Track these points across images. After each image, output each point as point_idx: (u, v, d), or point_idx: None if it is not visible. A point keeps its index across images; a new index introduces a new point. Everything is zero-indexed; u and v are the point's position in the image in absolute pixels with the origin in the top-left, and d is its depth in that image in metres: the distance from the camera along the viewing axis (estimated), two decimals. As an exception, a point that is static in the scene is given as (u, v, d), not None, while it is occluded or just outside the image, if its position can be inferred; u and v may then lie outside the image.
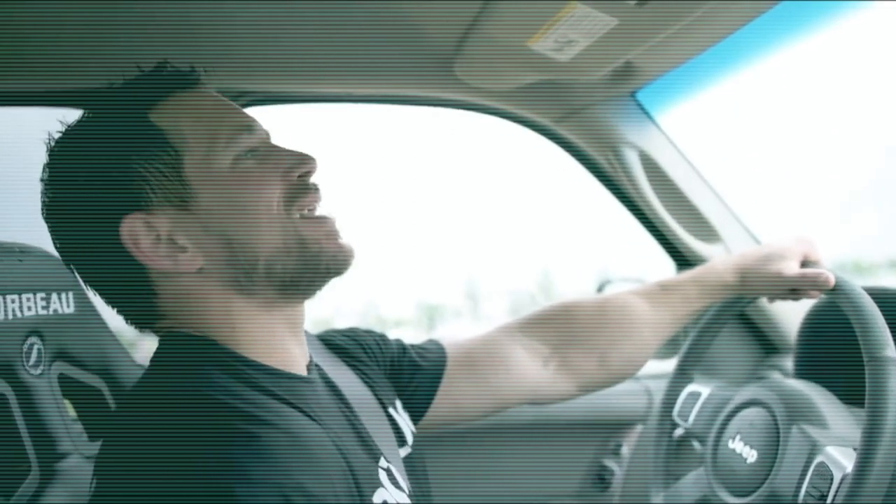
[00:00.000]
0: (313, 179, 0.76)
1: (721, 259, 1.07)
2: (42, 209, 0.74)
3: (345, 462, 0.68)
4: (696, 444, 1.12)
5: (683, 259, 1.58)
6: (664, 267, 1.63)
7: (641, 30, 1.01)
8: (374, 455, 0.76)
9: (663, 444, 1.14)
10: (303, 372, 0.77)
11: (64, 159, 0.72)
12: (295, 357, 0.77)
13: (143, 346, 1.04)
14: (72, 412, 0.93)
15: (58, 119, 0.74)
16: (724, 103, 1.46)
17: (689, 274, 1.07)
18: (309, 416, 0.69)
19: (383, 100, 1.39)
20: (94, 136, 0.72)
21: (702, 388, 1.12)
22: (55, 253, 0.90)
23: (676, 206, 1.50)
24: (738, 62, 1.30)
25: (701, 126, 1.54)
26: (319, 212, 0.76)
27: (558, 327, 1.05)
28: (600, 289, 1.81)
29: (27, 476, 0.81)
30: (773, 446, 0.93)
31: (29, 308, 0.83)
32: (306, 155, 0.75)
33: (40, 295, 0.86)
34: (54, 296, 0.88)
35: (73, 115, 0.75)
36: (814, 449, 0.87)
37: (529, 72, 1.20)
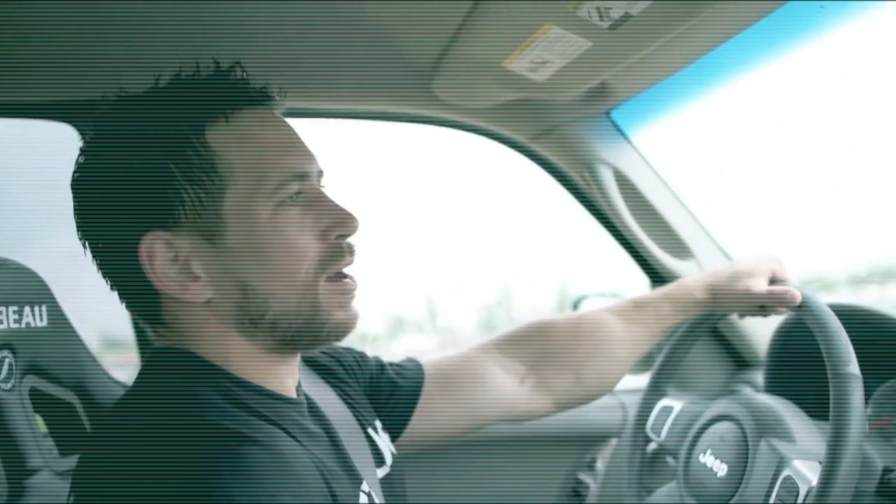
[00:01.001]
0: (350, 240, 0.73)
1: (692, 276, 1.09)
2: (74, 212, 0.71)
3: (326, 487, 0.67)
4: (668, 459, 1.13)
5: (656, 275, 1.60)
6: (638, 282, 1.66)
7: (615, 52, 1.03)
8: (356, 481, 0.76)
9: (637, 458, 1.16)
10: (292, 394, 0.76)
11: (102, 160, 0.69)
12: (284, 380, 0.76)
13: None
14: (43, 427, 0.92)
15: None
16: (698, 122, 1.49)
17: (661, 291, 1.09)
18: (294, 437, 0.69)
19: (362, 115, 1.40)
20: (140, 136, 0.67)
21: (674, 403, 1.14)
22: (29, 265, 0.90)
23: (650, 223, 1.53)
24: (711, 82, 1.32)
25: (674, 144, 1.57)
26: (346, 276, 0.74)
27: (533, 346, 1.06)
28: (576, 304, 1.83)
29: (-4, 492, 0.80)
30: (742, 460, 0.95)
31: (1, 321, 0.83)
32: (349, 215, 0.72)
33: (13, 308, 0.85)
34: (27, 309, 0.87)
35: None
36: (781, 462, 0.89)
37: (506, 90, 1.22)
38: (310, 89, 1.28)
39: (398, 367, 1.00)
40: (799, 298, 0.95)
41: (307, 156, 0.73)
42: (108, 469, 0.63)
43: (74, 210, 0.71)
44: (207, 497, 0.57)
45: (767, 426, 0.95)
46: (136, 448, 0.62)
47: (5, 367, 0.83)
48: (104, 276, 0.73)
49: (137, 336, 1.29)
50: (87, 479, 0.66)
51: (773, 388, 1.22)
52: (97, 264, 0.72)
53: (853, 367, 0.83)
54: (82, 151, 0.70)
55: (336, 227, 0.71)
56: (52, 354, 0.91)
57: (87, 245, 0.71)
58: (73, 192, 0.71)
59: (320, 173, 0.75)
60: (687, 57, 1.14)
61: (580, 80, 1.16)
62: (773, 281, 1.02)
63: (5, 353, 0.83)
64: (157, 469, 0.59)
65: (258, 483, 0.59)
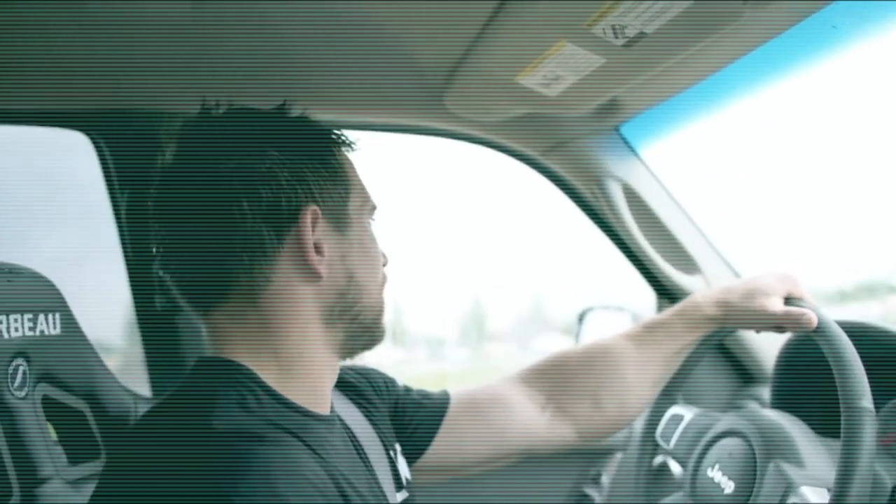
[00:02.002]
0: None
1: (702, 293, 1.09)
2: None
3: (341, 497, 0.68)
4: (674, 468, 1.13)
5: (664, 289, 1.61)
6: (644, 296, 1.66)
7: (627, 69, 1.04)
8: (382, 500, 0.79)
9: (645, 465, 1.15)
10: (326, 412, 0.79)
11: (260, 138, 0.76)
12: (324, 398, 0.79)
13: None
14: (54, 435, 0.93)
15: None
16: (706, 138, 1.50)
17: (671, 311, 1.09)
18: (311, 447, 0.70)
19: (375, 128, 1.41)
20: (297, 133, 0.79)
21: (685, 412, 1.14)
22: (43, 273, 0.90)
23: (657, 238, 1.53)
24: (720, 99, 1.33)
25: (683, 160, 1.58)
26: None
27: (550, 375, 1.08)
28: (581, 316, 1.83)
29: (8, 500, 0.80)
30: (750, 480, 0.94)
31: (16, 329, 0.83)
32: (384, 252, 0.85)
33: (27, 316, 0.85)
34: (41, 317, 0.87)
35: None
36: (789, 488, 0.88)
37: (517, 105, 1.23)
38: (321, 100, 1.28)
39: (425, 391, 1.03)
40: (815, 323, 0.93)
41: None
42: (129, 473, 0.66)
43: (167, 195, 0.76)
44: (213, 492, 0.58)
45: (777, 447, 0.95)
46: (156, 451, 0.65)
47: (20, 375, 0.83)
48: (182, 257, 0.75)
49: (146, 347, 1.30)
50: (109, 486, 0.68)
51: (779, 403, 1.22)
52: (178, 254, 0.75)
53: (867, 402, 0.82)
54: (211, 141, 0.76)
55: (382, 255, 0.85)
56: (65, 363, 0.91)
57: (170, 230, 0.75)
58: (181, 176, 0.75)
59: None
60: (698, 74, 1.15)
61: (592, 96, 1.17)
62: (788, 300, 1.01)
63: (20, 360, 0.84)
64: (172, 471, 0.61)
65: (263, 478, 0.60)
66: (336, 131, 0.83)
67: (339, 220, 0.78)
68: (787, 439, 0.95)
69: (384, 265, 0.85)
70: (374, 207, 0.84)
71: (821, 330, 0.92)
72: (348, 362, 0.89)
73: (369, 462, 0.82)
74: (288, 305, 0.75)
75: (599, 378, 1.06)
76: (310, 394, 0.76)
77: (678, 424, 1.13)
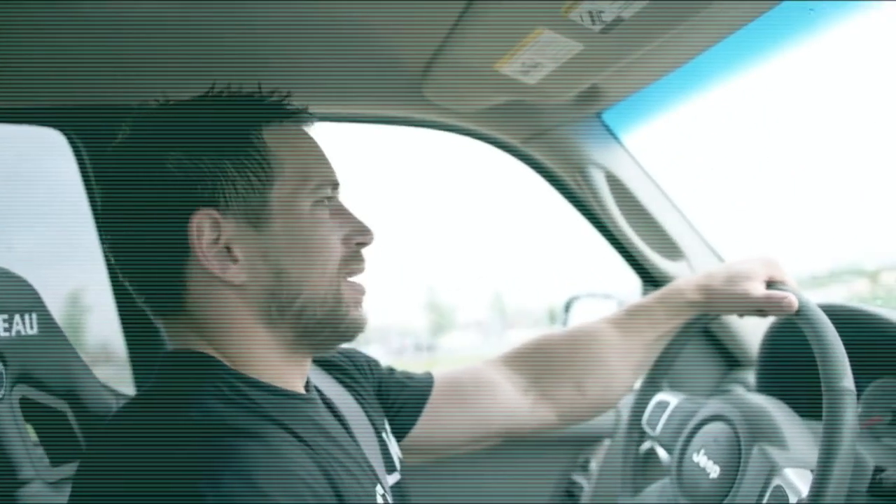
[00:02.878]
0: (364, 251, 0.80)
1: (685, 279, 1.09)
2: (98, 178, 0.77)
3: (332, 489, 0.67)
4: (662, 454, 1.13)
5: (648, 276, 1.61)
6: (630, 283, 1.66)
7: (606, 55, 1.03)
8: (373, 480, 0.78)
9: (631, 453, 1.16)
10: (302, 391, 0.78)
11: (163, 136, 0.73)
12: (295, 377, 0.78)
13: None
14: (33, 437, 0.92)
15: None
16: (688, 123, 1.50)
17: (654, 295, 1.09)
18: (300, 437, 0.70)
19: (353, 119, 1.40)
20: (202, 125, 0.73)
21: (670, 398, 1.15)
22: (18, 273, 0.89)
23: (641, 224, 1.53)
24: (701, 84, 1.33)
25: (665, 145, 1.58)
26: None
27: (534, 359, 1.09)
28: (567, 305, 1.83)
29: (-13, 504, 0.79)
30: (734, 463, 0.95)
31: (-10, 330, 0.82)
32: (367, 227, 0.79)
33: (2, 317, 0.84)
34: (17, 317, 0.86)
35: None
36: (773, 470, 0.89)
37: (497, 93, 1.22)
38: (299, 92, 1.27)
39: (408, 373, 1.03)
40: (796, 305, 0.94)
41: (335, 171, 0.80)
42: (107, 469, 0.65)
43: (103, 197, 0.75)
44: (198, 491, 0.57)
45: (760, 430, 0.95)
46: (136, 448, 0.64)
47: (-5, 377, 0.82)
48: (125, 268, 0.75)
49: (128, 342, 1.28)
50: (86, 480, 0.67)
51: (764, 387, 1.23)
52: (118, 256, 0.74)
53: (847, 382, 0.83)
54: (126, 141, 0.74)
55: (356, 235, 0.78)
56: (44, 363, 0.90)
57: (111, 234, 0.74)
58: (107, 178, 0.75)
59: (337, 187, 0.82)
60: (678, 59, 1.14)
61: (571, 83, 1.16)
62: (770, 284, 1.01)
63: (-5, 362, 0.83)
64: (154, 468, 0.60)
65: (250, 477, 0.59)
66: (274, 103, 0.77)
67: (255, 215, 0.72)
68: (771, 422, 0.96)
69: (363, 243, 0.79)
70: (326, 184, 0.76)
71: (802, 313, 0.93)
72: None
73: (358, 443, 0.81)
74: (215, 311, 0.73)
75: (582, 362, 1.07)
76: (278, 377, 0.75)
77: (664, 411, 1.14)
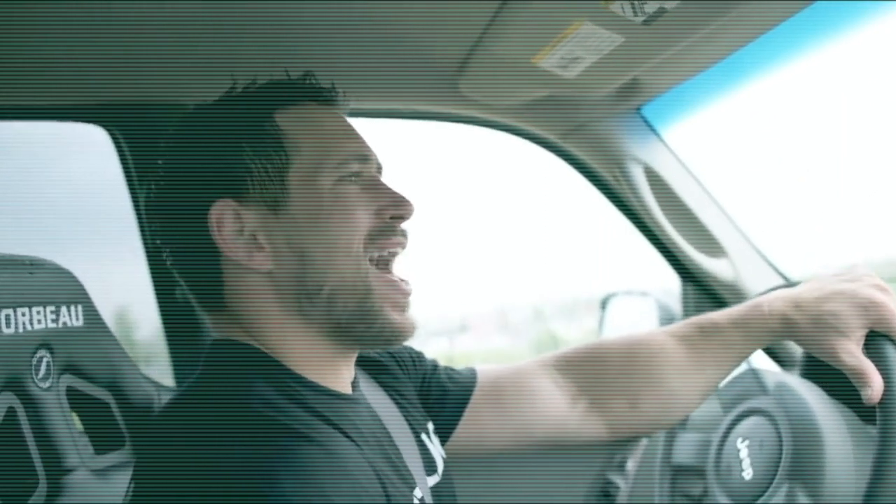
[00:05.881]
0: (404, 225, 0.77)
1: (769, 301, 0.92)
2: (151, 189, 0.77)
3: (382, 488, 0.67)
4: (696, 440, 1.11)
5: (688, 273, 1.58)
6: (668, 280, 1.64)
7: (647, 47, 1.01)
8: (410, 484, 0.76)
9: (669, 453, 1.14)
10: (348, 390, 0.77)
11: (180, 137, 0.76)
12: (341, 375, 0.77)
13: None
14: (78, 425, 0.94)
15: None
16: (730, 118, 1.47)
17: (730, 315, 0.96)
18: (350, 437, 0.69)
19: (390, 114, 1.40)
20: (216, 120, 0.75)
21: None
22: (65, 266, 0.91)
23: (681, 221, 1.50)
24: (744, 77, 1.30)
25: (706, 141, 1.55)
26: (399, 273, 0.77)
27: (586, 367, 1.01)
28: (604, 302, 1.81)
29: (34, 490, 0.81)
30: (765, 482, 0.93)
31: (39, 321, 0.84)
32: (405, 199, 0.76)
33: (50, 308, 0.86)
34: (63, 309, 0.88)
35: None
36: None
37: (534, 88, 1.21)
38: (341, 89, 1.28)
39: (452, 370, 0.99)
40: (875, 400, 0.78)
41: (367, 144, 0.79)
42: (166, 467, 0.64)
43: (148, 198, 0.77)
44: (262, 494, 0.57)
45: (802, 467, 0.89)
46: (194, 445, 0.63)
47: (43, 367, 0.84)
48: (175, 263, 0.77)
49: (168, 336, 1.31)
50: (147, 477, 0.67)
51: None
52: (169, 252, 0.77)
53: None
54: (167, 143, 0.77)
55: (391, 207, 0.75)
56: (88, 354, 0.92)
57: (157, 229, 0.77)
58: (145, 177, 0.77)
59: (379, 168, 0.80)
60: (719, 53, 1.12)
61: (611, 77, 1.14)
62: (870, 338, 0.82)
63: (43, 352, 0.84)
64: (213, 466, 0.60)
65: (312, 481, 0.59)
66: (286, 87, 0.77)
67: (275, 200, 0.72)
68: (818, 458, 0.88)
69: (398, 216, 0.75)
70: (351, 160, 0.74)
71: (885, 405, 0.78)
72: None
73: (394, 446, 0.80)
74: (249, 301, 0.73)
75: (641, 377, 0.99)
76: (325, 373, 0.75)
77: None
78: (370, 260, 0.73)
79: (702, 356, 0.97)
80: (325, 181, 0.72)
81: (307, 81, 0.78)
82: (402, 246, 0.77)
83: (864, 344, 0.83)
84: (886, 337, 0.82)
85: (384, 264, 0.75)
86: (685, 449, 1.12)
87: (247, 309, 0.74)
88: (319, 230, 0.72)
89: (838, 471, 0.89)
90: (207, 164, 0.72)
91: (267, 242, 0.71)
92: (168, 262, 0.77)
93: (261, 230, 0.71)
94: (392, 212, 0.75)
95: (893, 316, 0.81)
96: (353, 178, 0.74)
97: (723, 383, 1.06)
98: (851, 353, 0.81)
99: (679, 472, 1.14)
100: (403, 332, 0.75)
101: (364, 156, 0.76)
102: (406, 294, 0.76)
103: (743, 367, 1.06)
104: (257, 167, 0.71)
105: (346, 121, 0.79)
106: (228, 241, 0.71)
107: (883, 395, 0.78)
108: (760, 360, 1.10)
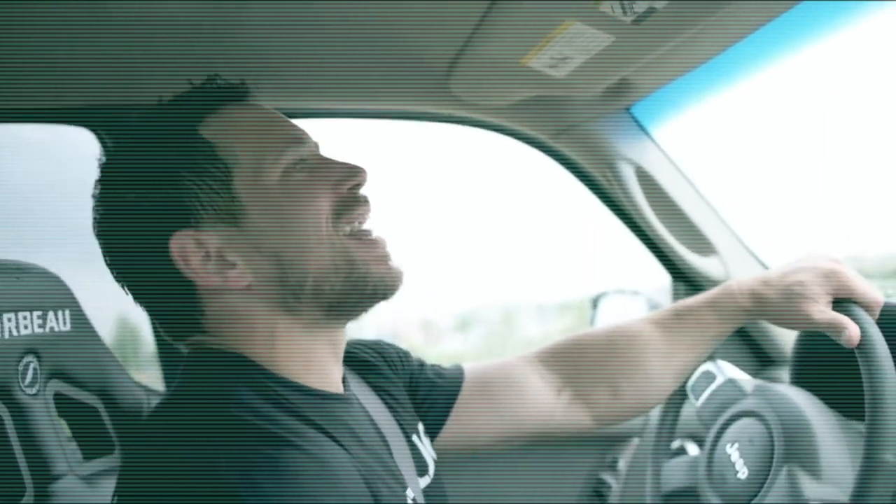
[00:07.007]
0: (363, 191, 0.76)
1: (738, 282, 0.99)
2: (93, 225, 0.74)
3: (369, 492, 0.67)
4: (691, 451, 1.11)
5: (679, 271, 1.58)
6: (659, 279, 1.64)
7: (637, 47, 1.01)
8: (403, 485, 0.76)
9: (661, 450, 1.14)
10: (339, 390, 0.77)
11: (115, 174, 0.73)
12: (332, 375, 0.77)
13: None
14: (67, 431, 0.93)
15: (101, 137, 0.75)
16: (720, 116, 1.47)
17: (703, 297, 1.01)
18: (337, 441, 0.69)
19: (379, 115, 1.40)
20: (145, 150, 0.71)
21: (716, 372, 1.10)
22: (52, 271, 0.90)
23: (671, 220, 1.51)
24: (733, 76, 1.31)
25: (696, 139, 1.55)
26: (370, 232, 0.76)
27: (569, 358, 1.04)
28: (595, 301, 1.81)
29: (21, 498, 0.80)
30: (763, 474, 0.93)
31: (25, 326, 0.83)
32: (356, 167, 0.75)
33: (37, 313, 0.85)
34: (51, 314, 0.87)
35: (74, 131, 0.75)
36: (799, 499, 0.86)
37: (525, 88, 1.21)
38: (326, 90, 1.27)
39: (439, 367, 1.00)
40: (855, 341, 0.82)
41: (296, 126, 0.77)
42: (149, 472, 0.64)
43: (98, 231, 0.74)
44: (239, 497, 0.57)
45: (796, 448, 0.91)
46: (175, 452, 0.63)
47: (30, 372, 0.83)
48: (139, 300, 0.74)
49: (157, 341, 1.30)
50: (130, 482, 0.66)
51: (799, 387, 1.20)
52: (131, 289, 0.74)
53: (891, 456, 0.75)
54: (101, 169, 0.74)
55: (346, 179, 0.74)
56: (76, 359, 0.91)
57: (116, 271, 0.74)
58: (97, 211, 0.73)
59: (317, 146, 0.78)
60: (709, 51, 1.12)
61: (601, 76, 1.14)
62: (836, 302, 0.88)
63: (30, 357, 0.84)
64: (191, 471, 0.60)
65: (296, 489, 0.59)
66: (199, 96, 0.73)
67: (229, 214, 0.69)
68: (809, 438, 0.91)
69: (356, 185, 0.74)
70: (288, 145, 0.72)
71: (863, 349, 0.82)
72: (358, 336, 0.85)
73: (388, 449, 0.80)
74: (235, 320, 0.72)
75: (621, 364, 1.01)
76: (314, 373, 0.74)
77: (709, 384, 1.09)
78: (343, 235, 0.73)
79: (678, 337, 1.00)
80: (271, 177, 0.71)
81: (215, 84, 0.75)
82: (368, 212, 0.76)
83: (832, 310, 0.88)
84: (850, 301, 0.88)
85: (362, 235, 0.75)
86: (673, 474, 1.12)
87: (231, 329, 0.72)
88: (284, 227, 0.70)
89: (829, 445, 0.91)
90: (151, 201, 0.69)
91: (238, 258, 0.70)
92: (133, 299, 0.75)
93: (227, 248, 0.69)
94: (349, 183, 0.74)
95: (851, 280, 0.88)
96: (297, 166, 0.72)
97: (700, 401, 1.09)
98: (822, 311, 0.87)
99: (671, 497, 1.14)
100: (394, 281, 0.75)
101: (297, 138, 0.74)
102: (383, 247, 0.75)
103: (720, 380, 1.09)
104: (202, 189, 0.69)
105: (268, 111, 0.77)
106: (199, 271, 0.69)
107: (861, 342, 0.82)
108: (734, 371, 1.11)
